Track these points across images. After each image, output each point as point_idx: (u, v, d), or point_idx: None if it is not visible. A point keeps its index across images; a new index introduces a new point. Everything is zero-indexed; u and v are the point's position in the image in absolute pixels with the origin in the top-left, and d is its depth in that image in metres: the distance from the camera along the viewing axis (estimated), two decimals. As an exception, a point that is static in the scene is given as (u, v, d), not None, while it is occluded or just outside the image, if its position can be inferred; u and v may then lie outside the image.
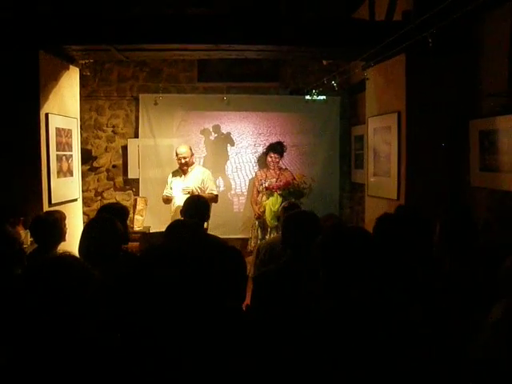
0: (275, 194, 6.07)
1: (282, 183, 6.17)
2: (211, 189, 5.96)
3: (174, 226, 3.09)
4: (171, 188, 5.99)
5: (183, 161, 5.90)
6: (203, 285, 2.02)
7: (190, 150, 6.02)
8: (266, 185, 6.25)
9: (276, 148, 6.47)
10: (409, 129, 4.63)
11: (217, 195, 6.02)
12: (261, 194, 6.34)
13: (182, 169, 5.97)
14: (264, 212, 6.11)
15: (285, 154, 6.60)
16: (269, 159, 6.44)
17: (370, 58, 4.85)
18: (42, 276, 1.67)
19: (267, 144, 6.84)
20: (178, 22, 4.50)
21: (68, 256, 1.83)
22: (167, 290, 1.89)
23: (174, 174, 6.10)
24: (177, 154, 5.95)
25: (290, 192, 6.07)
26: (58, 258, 1.83)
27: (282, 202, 5.83)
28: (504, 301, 1.19)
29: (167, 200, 5.97)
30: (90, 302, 1.70)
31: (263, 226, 6.18)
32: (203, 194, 5.52)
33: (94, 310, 1.71)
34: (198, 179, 5.93)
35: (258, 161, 7.10)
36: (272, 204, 5.99)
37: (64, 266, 1.72)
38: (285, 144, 6.64)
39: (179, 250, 2.12)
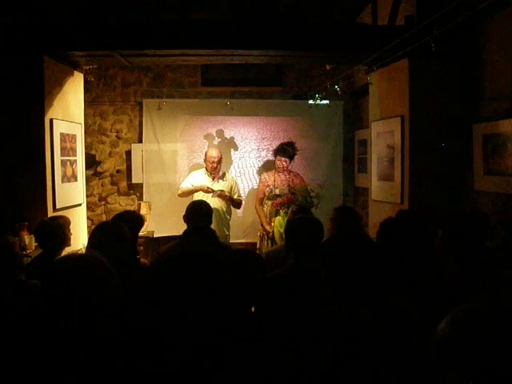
0: (281, 213, 5.67)
1: (286, 199, 5.73)
2: (239, 194, 6.30)
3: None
4: (192, 185, 6.01)
5: (216, 164, 6.02)
6: (220, 288, 2.05)
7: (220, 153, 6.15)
8: (277, 192, 5.91)
9: (286, 151, 6.10)
10: (412, 133, 4.63)
11: (241, 201, 6.32)
12: (267, 205, 5.98)
13: (213, 172, 6.05)
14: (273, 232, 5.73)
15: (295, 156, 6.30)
16: (277, 162, 6.14)
17: (373, 63, 4.85)
18: (65, 274, 1.78)
19: (271, 148, 6.72)
20: (180, 27, 4.54)
21: (91, 256, 1.94)
22: (185, 293, 1.94)
23: (199, 174, 6.15)
24: (209, 158, 6.03)
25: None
26: (79, 258, 1.95)
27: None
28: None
29: (183, 194, 6.04)
30: (108, 299, 1.81)
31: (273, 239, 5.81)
32: (234, 199, 6.10)
33: (112, 307, 1.81)
34: (228, 184, 6.11)
35: (263, 165, 6.99)
36: (280, 225, 5.58)
37: (86, 265, 1.82)
38: (296, 146, 6.26)
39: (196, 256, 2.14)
